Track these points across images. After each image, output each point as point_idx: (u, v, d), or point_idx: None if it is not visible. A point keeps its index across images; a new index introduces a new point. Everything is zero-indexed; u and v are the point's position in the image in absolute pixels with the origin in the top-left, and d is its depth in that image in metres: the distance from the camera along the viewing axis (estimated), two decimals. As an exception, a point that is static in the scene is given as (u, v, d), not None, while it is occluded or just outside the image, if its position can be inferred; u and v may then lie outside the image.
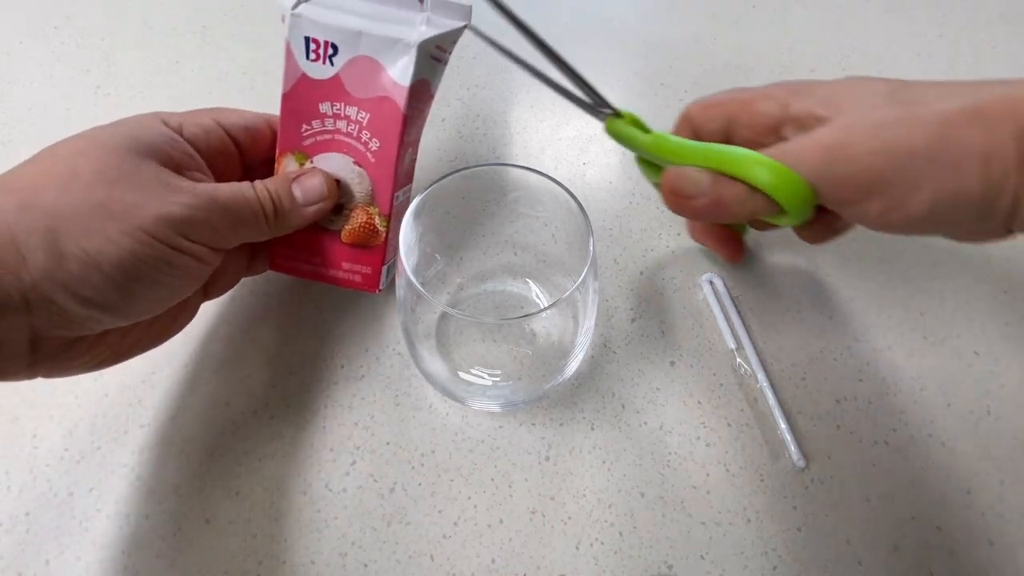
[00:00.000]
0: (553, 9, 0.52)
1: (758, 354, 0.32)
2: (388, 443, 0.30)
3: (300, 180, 0.28)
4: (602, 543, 0.27)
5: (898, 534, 0.28)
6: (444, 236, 0.33)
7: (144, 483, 0.29)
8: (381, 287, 0.31)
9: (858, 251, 0.37)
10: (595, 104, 0.28)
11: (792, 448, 0.29)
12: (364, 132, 0.28)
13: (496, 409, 0.30)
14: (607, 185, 0.40)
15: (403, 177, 0.30)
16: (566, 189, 0.28)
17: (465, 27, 0.28)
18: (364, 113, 0.28)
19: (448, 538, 0.28)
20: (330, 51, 0.27)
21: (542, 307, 0.33)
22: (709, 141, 0.28)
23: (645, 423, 0.31)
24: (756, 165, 0.24)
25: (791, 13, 0.52)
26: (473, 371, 0.31)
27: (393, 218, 0.30)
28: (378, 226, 0.30)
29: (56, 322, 0.22)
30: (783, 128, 0.26)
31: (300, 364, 0.32)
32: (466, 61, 0.48)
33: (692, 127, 0.30)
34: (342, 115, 0.28)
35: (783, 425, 0.30)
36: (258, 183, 0.27)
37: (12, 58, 0.48)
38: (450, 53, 0.29)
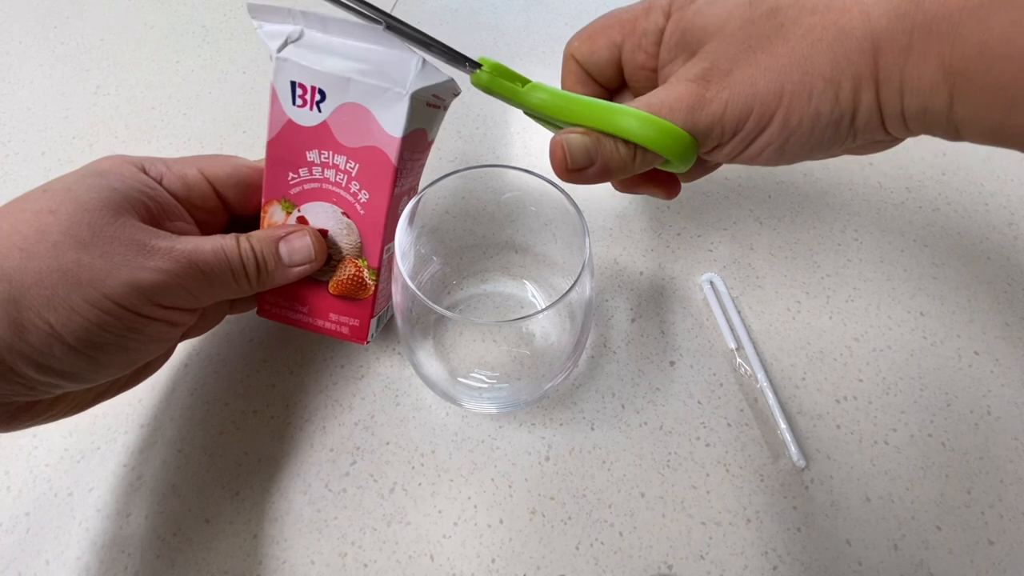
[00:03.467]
0: (554, 9, 0.52)
1: (758, 354, 0.32)
2: (388, 443, 0.30)
3: (288, 239, 0.27)
4: (602, 543, 0.27)
5: (898, 534, 0.28)
6: (441, 237, 0.33)
7: (144, 483, 0.29)
8: (370, 339, 0.29)
9: (858, 251, 0.37)
10: (453, 59, 0.24)
11: (792, 448, 0.29)
12: (353, 183, 0.27)
13: (495, 411, 0.30)
14: (607, 185, 0.40)
15: (393, 228, 0.28)
16: (561, 190, 0.28)
17: (452, 83, 0.26)
18: (353, 163, 0.26)
19: (448, 538, 0.28)
20: (317, 97, 0.25)
21: (540, 308, 0.33)
22: (599, 75, 0.27)
23: (645, 423, 0.31)
24: (633, 120, 0.22)
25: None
26: (471, 373, 0.31)
27: (383, 271, 0.28)
28: (367, 279, 0.28)
29: (16, 390, 0.21)
30: (667, 49, 0.25)
31: (300, 364, 0.32)
32: (466, 61, 0.48)
33: (579, 65, 0.27)
34: (330, 164, 0.27)
35: (783, 425, 0.30)
36: (243, 240, 0.25)
37: (12, 58, 0.49)
38: (450, 101, 0.28)
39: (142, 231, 0.23)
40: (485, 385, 0.30)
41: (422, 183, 0.28)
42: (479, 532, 0.28)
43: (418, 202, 0.28)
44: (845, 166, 0.41)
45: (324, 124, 0.26)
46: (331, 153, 0.26)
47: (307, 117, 0.26)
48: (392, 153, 0.26)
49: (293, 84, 0.25)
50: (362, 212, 0.27)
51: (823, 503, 0.28)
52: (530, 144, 0.43)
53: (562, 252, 0.32)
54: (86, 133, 0.43)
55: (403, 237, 0.27)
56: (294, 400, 0.31)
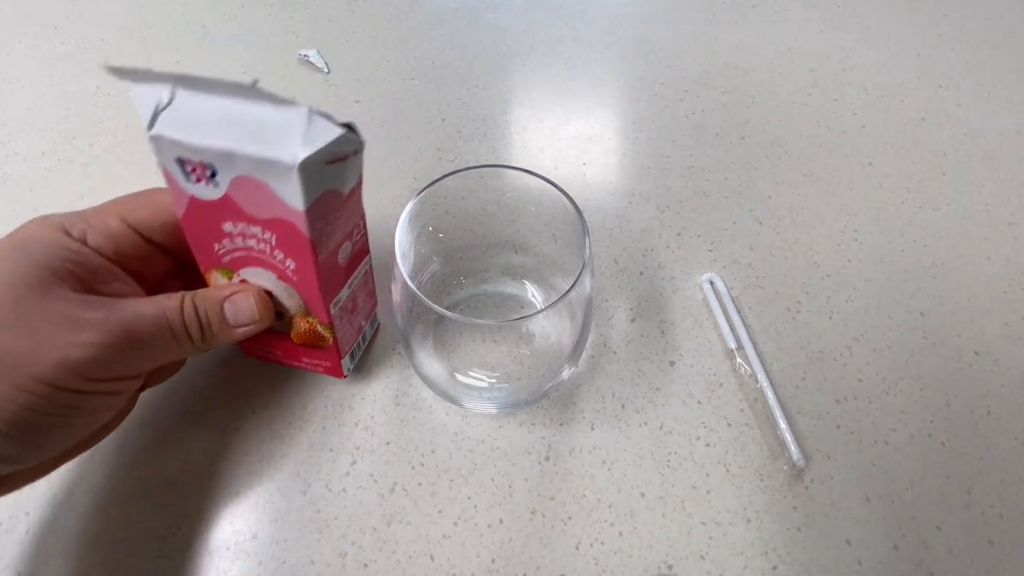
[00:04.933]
0: (554, 9, 0.52)
1: (758, 354, 0.32)
2: (388, 443, 0.30)
3: (233, 299, 0.26)
4: (602, 543, 0.27)
5: (898, 534, 0.28)
6: (441, 237, 0.33)
7: (144, 483, 0.29)
8: (347, 373, 0.30)
9: (858, 251, 0.37)
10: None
11: (792, 448, 0.29)
12: (276, 251, 0.24)
13: (495, 411, 0.30)
14: (607, 185, 0.40)
15: (337, 281, 0.26)
16: (561, 190, 0.28)
17: (352, 132, 0.22)
18: (269, 233, 0.24)
19: (448, 538, 0.28)
20: (208, 172, 0.22)
21: (540, 308, 0.33)
22: None
23: (645, 423, 0.31)
24: None
25: (791, 13, 0.52)
26: (471, 373, 0.31)
27: (338, 321, 0.27)
28: (321, 332, 0.27)
29: None
30: None
31: (300, 364, 0.32)
32: (466, 61, 0.48)
33: None
34: (248, 234, 0.24)
35: (783, 425, 0.30)
36: (187, 300, 0.24)
37: (12, 58, 0.49)
38: (359, 148, 0.23)
39: (72, 304, 0.22)
40: (485, 385, 0.30)
41: (422, 183, 0.28)
42: (479, 532, 0.28)
43: (418, 202, 0.28)
44: (845, 166, 0.41)
45: (227, 197, 0.23)
46: (245, 224, 0.24)
47: (207, 192, 0.23)
48: (302, 226, 0.22)
49: (179, 161, 0.22)
50: (294, 278, 0.25)
51: (823, 503, 0.28)
52: (530, 144, 0.43)
53: (562, 252, 0.32)
54: (86, 133, 0.43)
55: (403, 237, 0.27)
56: (294, 400, 0.31)
